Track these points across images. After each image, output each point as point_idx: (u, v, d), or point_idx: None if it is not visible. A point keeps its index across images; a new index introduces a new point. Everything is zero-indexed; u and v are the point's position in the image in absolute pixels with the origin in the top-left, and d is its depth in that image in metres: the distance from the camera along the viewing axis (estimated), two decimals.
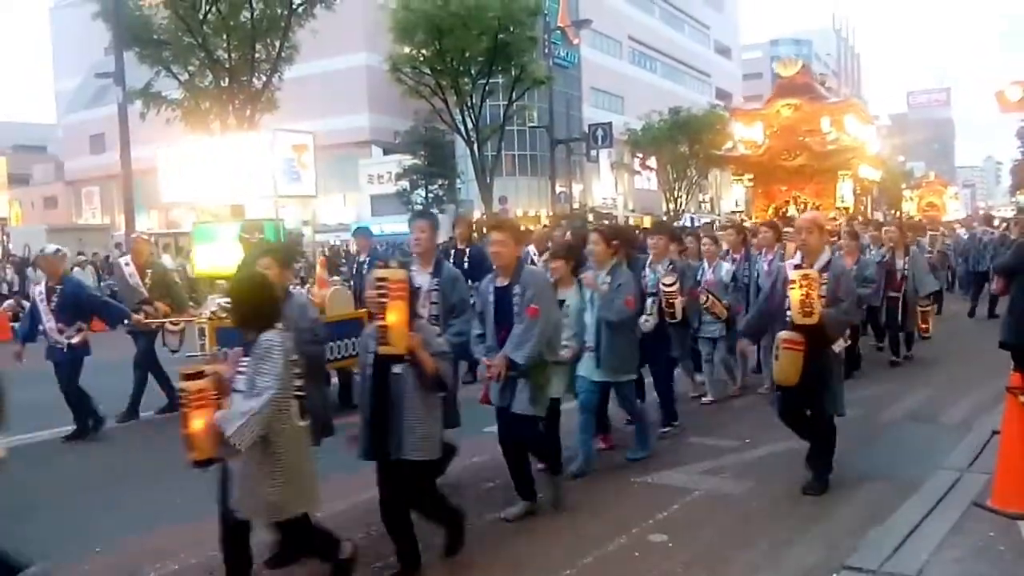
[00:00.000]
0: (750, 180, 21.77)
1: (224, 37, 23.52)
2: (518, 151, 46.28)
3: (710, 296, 8.10)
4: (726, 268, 8.40)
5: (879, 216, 32.19)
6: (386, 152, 45.96)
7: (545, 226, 17.73)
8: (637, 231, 14.55)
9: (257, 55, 23.95)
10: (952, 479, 5.51)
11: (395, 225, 40.63)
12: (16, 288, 21.71)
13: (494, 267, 5.39)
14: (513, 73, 28.13)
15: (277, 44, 24.05)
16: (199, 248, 12.70)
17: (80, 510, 5.91)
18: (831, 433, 5.58)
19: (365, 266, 10.79)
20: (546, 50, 32.22)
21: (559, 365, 5.57)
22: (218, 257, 11.68)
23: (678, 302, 7.10)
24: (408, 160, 38.24)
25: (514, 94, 29.11)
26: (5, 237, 32.89)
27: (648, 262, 7.42)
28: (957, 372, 9.68)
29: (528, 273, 5.24)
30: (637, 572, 4.40)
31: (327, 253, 26.08)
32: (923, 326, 10.58)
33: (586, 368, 6.05)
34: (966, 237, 19.03)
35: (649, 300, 7.03)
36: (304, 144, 16.02)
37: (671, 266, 7.30)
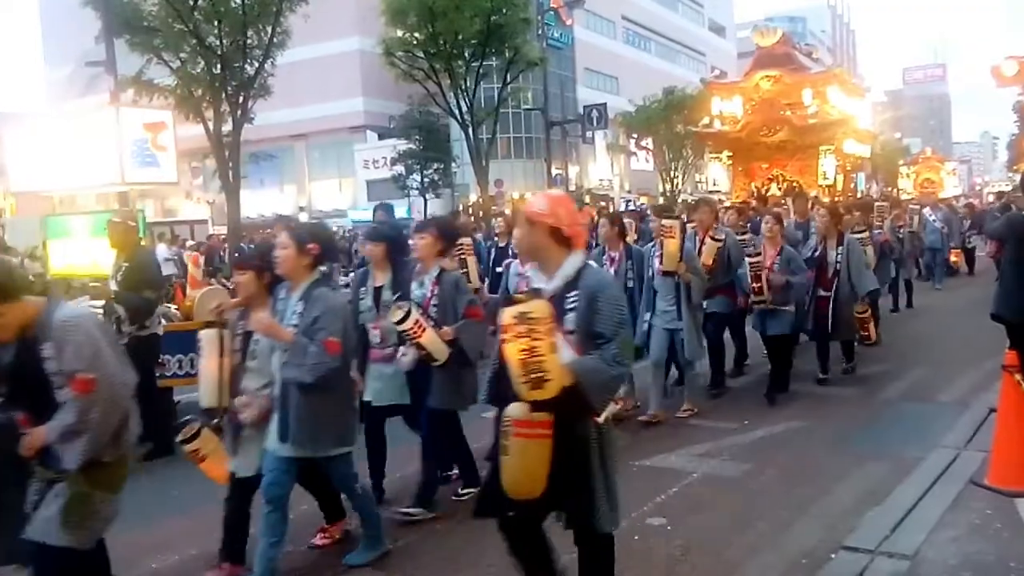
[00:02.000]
0: (729, 158, 20.72)
1: (215, 23, 23.33)
2: (513, 134, 46.15)
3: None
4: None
5: (873, 194, 31.97)
6: (381, 137, 45.92)
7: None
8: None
9: (249, 41, 23.76)
10: (950, 458, 5.55)
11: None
12: None
13: None
14: (507, 55, 27.98)
15: (269, 30, 23.89)
16: (53, 244, 10.55)
17: None
18: (609, 556, 3.36)
19: None
20: (539, 31, 32.04)
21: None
22: (74, 254, 9.86)
23: (426, 339, 4.78)
24: (403, 144, 38.19)
25: (508, 76, 28.98)
26: (0, 229, 32.75)
27: (415, 271, 5.29)
28: (952, 351, 9.64)
29: (61, 323, 3.20)
30: (636, 555, 4.40)
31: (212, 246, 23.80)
32: (864, 333, 8.75)
33: (271, 438, 4.18)
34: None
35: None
36: (160, 122, 13.37)
37: (436, 278, 5.14)
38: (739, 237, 8.47)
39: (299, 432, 4.04)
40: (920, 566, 4.08)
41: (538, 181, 41.22)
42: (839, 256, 8.04)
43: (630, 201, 34.82)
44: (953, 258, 17.28)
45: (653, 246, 7.19)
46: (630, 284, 7.02)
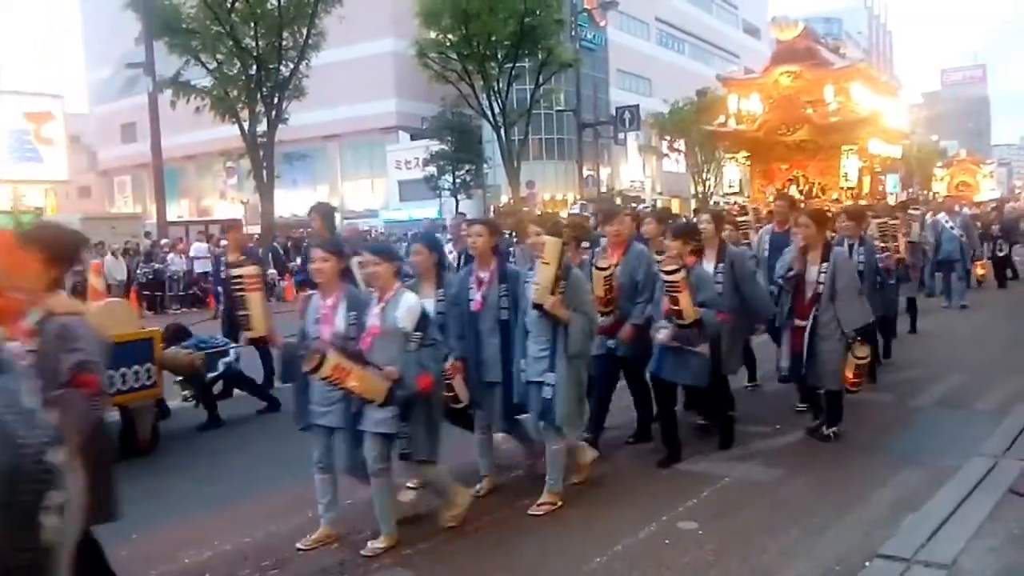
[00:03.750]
0: (746, 158, 19.95)
1: (252, 25, 23.69)
2: (545, 135, 46.14)
3: (331, 359, 4.25)
4: (408, 306, 4.54)
5: (903, 198, 31.11)
6: (413, 138, 46.13)
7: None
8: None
9: (284, 42, 24.12)
10: (988, 466, 5.45)
11: (423, 211, 40.90)
12: None
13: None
14: (540, 57, 28.04)
15: (304, 31, 24.17)
16: None
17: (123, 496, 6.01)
18: None
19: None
20: (572, 33, 32.02)
21: None
22: None
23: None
24: (435, 145, 38.35)
25: (541, 78, 29.00)
26: None
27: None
28: (989, 358, 9.46)
29: None
30: (667, 560, 4.38)
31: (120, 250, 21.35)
32: (853, 380, 6.30)
33: None
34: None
35: None
36: (46, 112, 11.32)
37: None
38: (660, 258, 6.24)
39: None
40: None
41: (570, 182, 41.23)
42: (822, 275, 6.18)
43: (582, 205, 33.13)
44: (979, 271, 15.47)
45: (530, 268, 5.29)
46: (504, 316, 5.33)
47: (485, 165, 39.98)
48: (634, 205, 37.73)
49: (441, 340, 4.82)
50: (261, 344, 7.64)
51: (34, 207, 34.36)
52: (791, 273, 6.26)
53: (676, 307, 5.54)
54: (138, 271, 20.70)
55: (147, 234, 26.45)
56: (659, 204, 43.68)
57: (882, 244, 8.27)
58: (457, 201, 38.34)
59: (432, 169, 38.35)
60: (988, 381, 8.13)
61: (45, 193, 40.76)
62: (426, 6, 26.77)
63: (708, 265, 6.39)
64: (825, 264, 6.18)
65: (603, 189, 40.10)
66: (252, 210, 34.92)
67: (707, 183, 47.16)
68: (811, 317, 6.15)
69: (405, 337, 4.48)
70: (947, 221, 13.85)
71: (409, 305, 4.54)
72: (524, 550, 4.61)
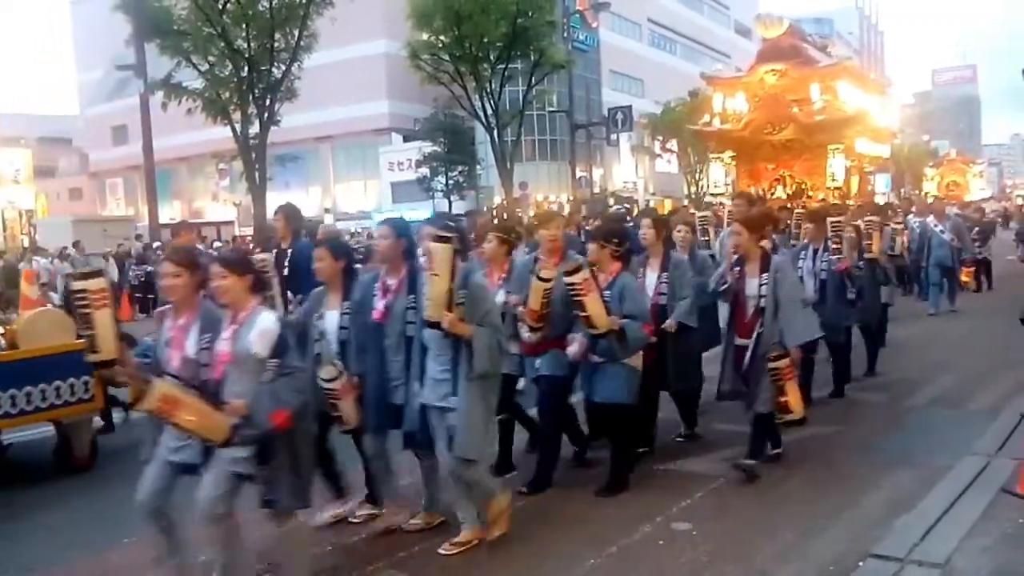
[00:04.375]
0: (732, 158, 19.73)
1: (243, 27, 23.61)
2: (538, 136, 46.15)
3: (157, 389, 3.61)
4: (261, 328, 3.85)
5: (892, 198, 31.10)
6: (406, 139, 46.13)
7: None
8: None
9: (276, 44, 24.04)
10: (980, 465, 5.47)
11: (416, 212, 40.91)
12: (44, 280, 21.90)
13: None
14: (532, 58, 28.02)
15: (296, 33, 24.12)
16: None
17: (109, 500, 5.98)
18: None
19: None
20: (565, 34, 32.02)
21: None
22: None
23: None
24: (428, 147, 38.34)
25: (533, 79, 29.00)
26: (32, 229, 33.23)
27: None
28: (980, 358, 9.46)
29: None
30: (662, 561, 4.39)
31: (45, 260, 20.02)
32: (782, 400, 5.43)
33: None
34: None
35: None
36: None
37: None
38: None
39: None
40: (951, 575, 4.03)
41: (563, 183, 41.24)
42: (763, 287, 5.51)
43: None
44: (964, 278, 14.96)
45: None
46: (411, 332, 4.66)
47: (478, 166, 39.98)
48: (627, 206, 37.84)
49: (304, 367, 4.07)
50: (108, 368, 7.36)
51: (24, 210, 34.35)
52: (724, 286, 5.73)
53: (584, 313, 4.92)
54: (130, 273, 20.64)
55: (139, 236, 26.37)
56: (652, 204, 43.80)
57: (835, 245, 7.57)
58: (450, 203, 38.35)
59: (425, 171, 38.37)
60: (979, 382, 8.16)
61: (35, 196, 40.56)
62: (418, 7, 26.74)
63: (652, 274, 5.98)
64: (765, 275, 5.50)
65: (596, 190, 40.15)
66: (245, 212, 34.82)
67: (700, 183, 47.24)
68: (754, 335, 5.52)
69: (260, 365, 3.82)
70: (936, 225, 13.37)
71: (263, 328, 3.84)
72: (519, 552, 4.60)
